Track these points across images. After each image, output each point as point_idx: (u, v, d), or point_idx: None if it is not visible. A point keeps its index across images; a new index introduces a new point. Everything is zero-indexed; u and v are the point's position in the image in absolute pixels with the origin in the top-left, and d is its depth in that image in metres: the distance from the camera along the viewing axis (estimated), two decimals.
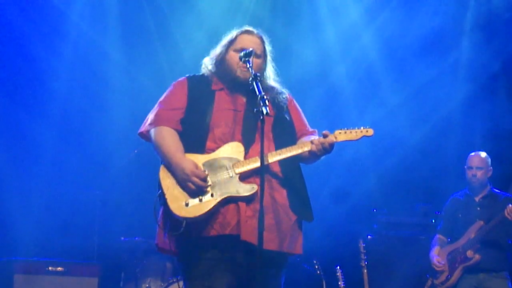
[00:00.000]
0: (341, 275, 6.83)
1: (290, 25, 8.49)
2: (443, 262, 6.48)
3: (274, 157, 3.70)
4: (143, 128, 3.89)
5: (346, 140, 3.82)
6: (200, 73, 4.02)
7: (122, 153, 7.59)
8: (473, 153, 6.64)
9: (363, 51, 8.58)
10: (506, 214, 6.07)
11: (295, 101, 4.10)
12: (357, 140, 3.84)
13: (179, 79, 4.00)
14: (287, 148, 3.75)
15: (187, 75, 4.02)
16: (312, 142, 3.74)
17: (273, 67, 4.06)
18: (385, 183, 8.39)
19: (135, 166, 7.57)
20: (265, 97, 3.48)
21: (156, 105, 3.91)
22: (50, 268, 6.59)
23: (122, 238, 7.08)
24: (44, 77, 7.77)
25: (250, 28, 4.00)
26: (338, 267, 6.87)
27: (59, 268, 6.62)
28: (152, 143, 3.83)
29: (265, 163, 3.62)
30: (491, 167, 6.57)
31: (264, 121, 3.43)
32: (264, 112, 3.41)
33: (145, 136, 3.90)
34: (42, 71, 7.75)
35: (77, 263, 6.79)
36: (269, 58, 4.02)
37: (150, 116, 3.88)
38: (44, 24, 7.75)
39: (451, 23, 8.38)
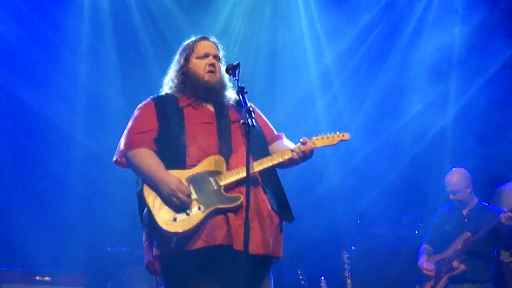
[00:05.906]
0: (325, 286, 6.89)
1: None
2: (433, 266, 6.58)
3: (256, 168, 3.74)
4: (117, 156, 3.86)
5: (324, 146, 3.92)
6: (163, 93, 4.00)
7: (109, 163, 7.60)
8: (447, 176, 6.71)
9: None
10: (503, 220, 6.15)
11: (257, 109, 4.12)
12: (334, 145, 3.94)
13: (144, 102, 3.96)
14: (268, 158, 3.81)
15: (151, 96, 3.99)
16: (292, 150, 3.82)
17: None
18: (369, 195, 8.46)
19: (121, 176, 7.58)
20: (250, 109, 3.54)
21: (125, 132, 3.87)
22: (37, 277, 6.62)
23: (109, 248, 7.10)
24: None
25: (206, 36, 4.08)
26: (323, 278, 6.93)
27: (46, 278, 6.64)
28: (131, 167, 3.81)
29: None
30: (470, 184, 6.63)
31: (250, 133, 3.49)
32: (250, 124, 3.47)
33: (120, 163, 3.87)
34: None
35: (64, 273, 6.80)
36: (223, 63, 4.04)
37: (122, 143, 3.84)
38: None
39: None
